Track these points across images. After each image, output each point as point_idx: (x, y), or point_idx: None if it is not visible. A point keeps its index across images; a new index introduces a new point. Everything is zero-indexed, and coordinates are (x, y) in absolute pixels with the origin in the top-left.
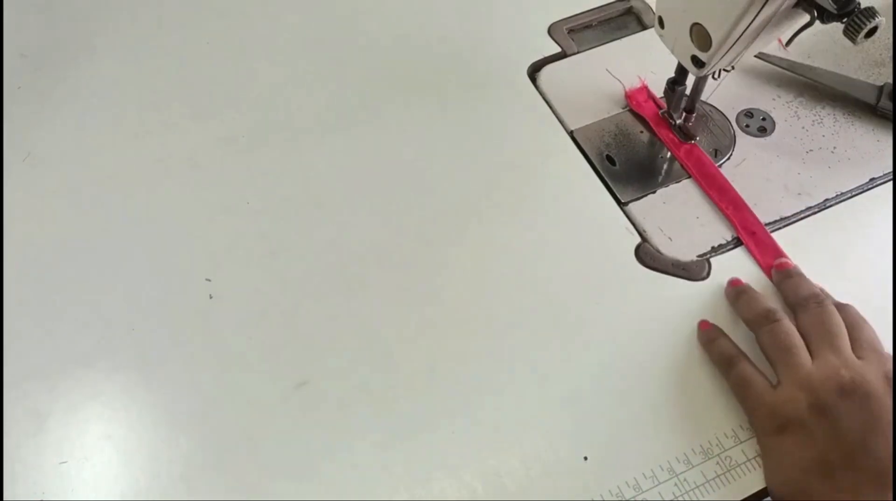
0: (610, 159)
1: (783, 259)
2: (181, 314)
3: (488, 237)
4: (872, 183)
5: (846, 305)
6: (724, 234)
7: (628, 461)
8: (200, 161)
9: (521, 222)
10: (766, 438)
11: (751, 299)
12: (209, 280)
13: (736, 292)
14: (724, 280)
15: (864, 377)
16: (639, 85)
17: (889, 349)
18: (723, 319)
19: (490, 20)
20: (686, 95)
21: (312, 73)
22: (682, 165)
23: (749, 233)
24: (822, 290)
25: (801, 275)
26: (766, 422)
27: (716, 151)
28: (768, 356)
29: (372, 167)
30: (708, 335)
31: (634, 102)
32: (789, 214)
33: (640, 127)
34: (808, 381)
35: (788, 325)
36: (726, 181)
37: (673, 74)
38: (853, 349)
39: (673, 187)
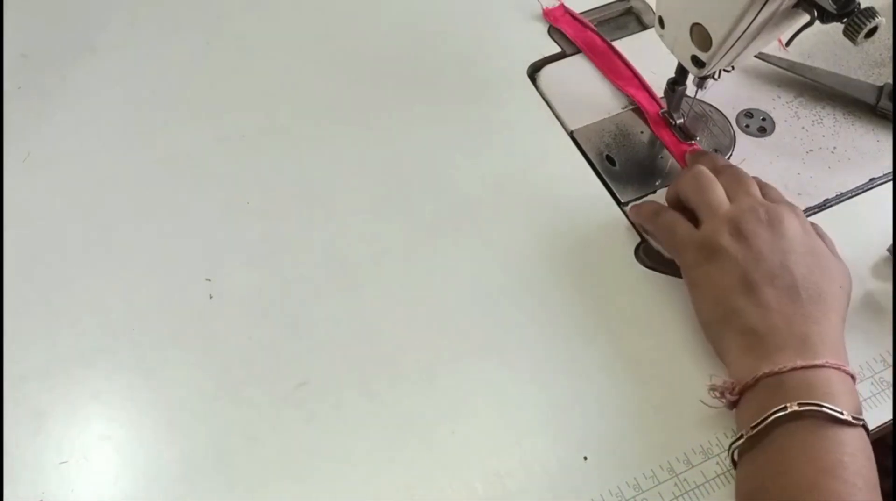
0: (610, 159)
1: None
2: (181, 314)
3: (488, 237)
4: (872, 183)
5: (756, 177)
6: None
7: (628, 461)
8: (200, 161)
9: (521, 222)
10: (694, 271)
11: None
12: (209, 280)
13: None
14: None
15: (777, 210)
16: (556, 3)
17: None
18: None
19: (490, 20)
20: (686, 96)
21: (312, 73)
22: (680, 164)
23: None
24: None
25: (713, 153)
26: (693, 256)
27: (716, 151)
28: (690, 200)
29: (372, 167)
30: (636, 205)
31: (552, 17)
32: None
33: (640, 127)
34: (729, 213)
35: (707, 172)
36: None
37: (673, 74)
38: (764, 198)
39: None
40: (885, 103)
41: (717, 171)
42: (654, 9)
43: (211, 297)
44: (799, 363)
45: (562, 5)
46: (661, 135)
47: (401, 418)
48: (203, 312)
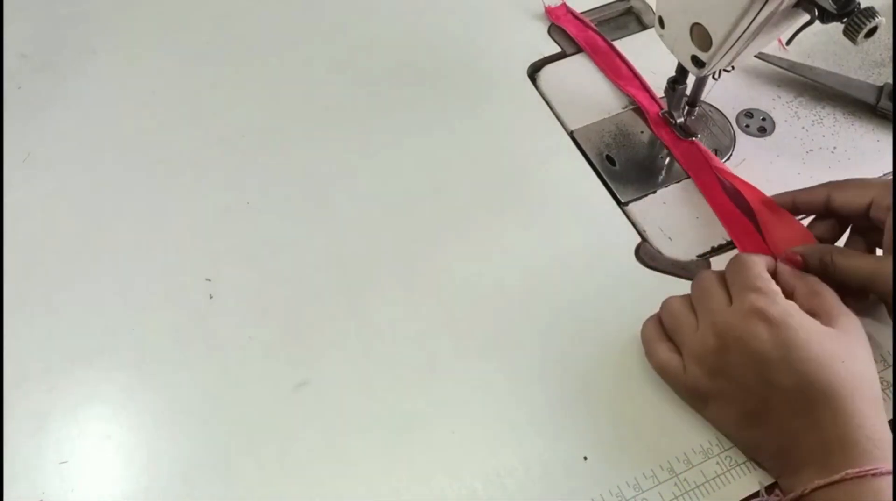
0: (610, 159)
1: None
2: (181, 314)
3: (488, 237)
4: None
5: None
6: (724, 234)
7: (628, 461)
8: (200, 161)
9: (522, 222)
10: (703, 414)
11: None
12: (209, 280)
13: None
14: None
15: (730, 327)
16: (559, 2)
17: None
18: None
19: (490, 20)
20: (686, 95)
21: (312, 72)
22: (680, 164)
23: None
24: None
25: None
26: (693, 402)
27: (716, 151)
28: (667, 331)
29: (372, 167)
30: (644, 329)
31: (554, 16)
32: None
33: (640, 127)
34: (696, 352)
35: (674, 304)
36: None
37: (673, 74)
38: (731, 293)
39: (673, 187)
40: (885, 103)
41: (694, 288)
42: (654, 9)
43: (211, 297)
44: (817, 482)
45: (564, 4)
46: (661, 135)
47: (401, 418)
48: (203, 312)
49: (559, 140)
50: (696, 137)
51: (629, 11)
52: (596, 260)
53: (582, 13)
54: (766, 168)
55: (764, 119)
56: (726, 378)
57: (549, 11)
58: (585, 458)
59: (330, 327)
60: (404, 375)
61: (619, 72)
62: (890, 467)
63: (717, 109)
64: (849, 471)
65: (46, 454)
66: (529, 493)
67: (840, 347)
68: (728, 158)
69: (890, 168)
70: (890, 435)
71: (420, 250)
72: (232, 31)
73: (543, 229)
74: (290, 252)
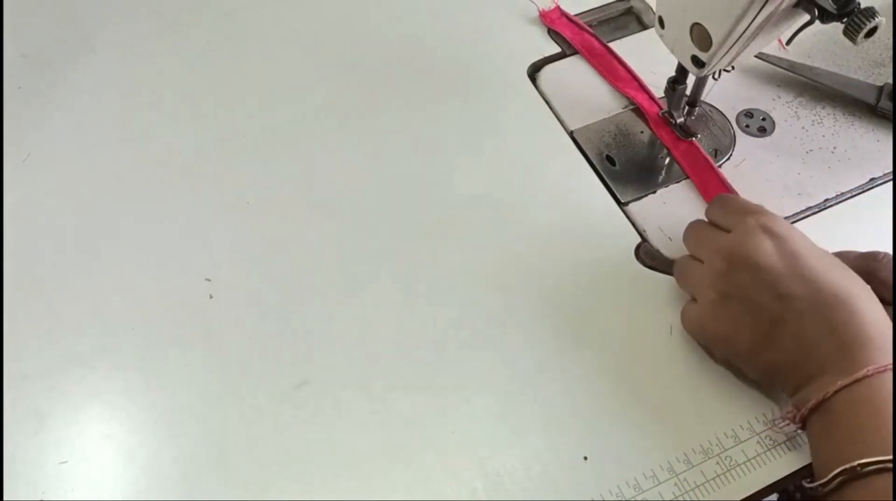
0: (610, 159)
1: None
2: (181, 314)
3: (489, 237)
4: (872, 183)
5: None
6: None
7: (628, 461)
8: (200, 161)
9: (521, 222)
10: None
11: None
12: (209, 280)
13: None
14: None
15: (735, 247)
16: (552, 6)
17: None
18: None
19: (490, 20)
20: (686, 95)
21: (312, 73)
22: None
23: None
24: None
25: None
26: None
27: (716, 151)
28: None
29: (372, 167)
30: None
31: (549, 20)
32: (789, 214)
33: (640, 127)
34: (709, 282)
35: (682, 260)
36: (721, 185)
37: (673, 74)
38: (723, 225)
39: (673, 187)
40: (885, 103)
41: (687, 236)
42: (654, 9)
43: (211, 297)
44: (839, 383)
45: (557, 7)
46: (661, 135)
47: (401, 417)
48: (203, 312)
49: (559, 140)
50: (697, 137)
51: (629, 11)
52: (596, 260)
53: (582, 13)
54: (765, 168)
55: (764, 119)
56: (738, 300)
57: (543, 15)
58: (585, 458)
59: (330, 327)
60: (404, 375)
61: (616, 73)
62: None
63: (717, 109)
64: (869, 368)
65: (46, 454)
66: (529, 493)
67: (830, 256)
68: (728, 158)
69: (890, 168)
70: (889, 329)
71: (420, 250)
72: (232, 31)
73: (543, 228)
74: (290, 252)
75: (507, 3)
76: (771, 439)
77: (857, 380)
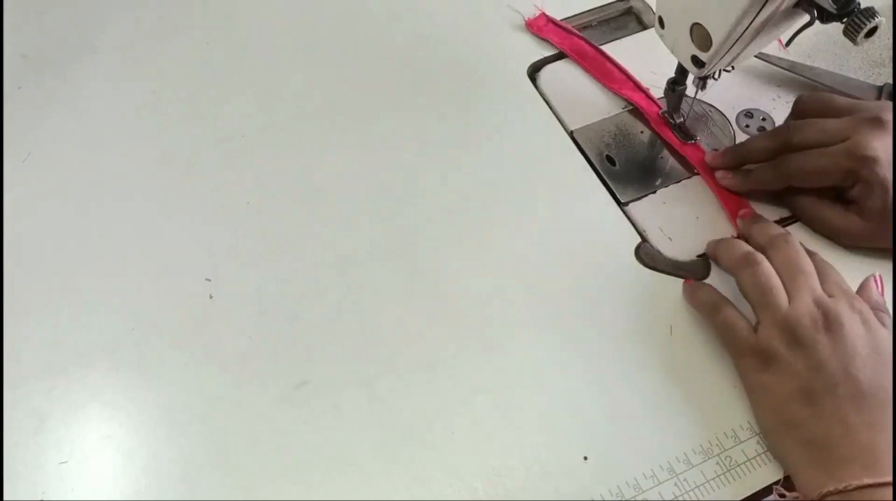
0: (610, 159)
1: (746, 209)
2: (181, 314)
3: (488, 237)
4: None
5: (813, 252)
6: (724, 233)
7: (628, 461)
8: (200, 161)
9: (521, 222)
10: (751, 378)
11: (730, 245)
12: (209, 280)
13: (715, 241)
14: (724, 281)
15: (837, 311)
16: (537, 13)
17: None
18: None
19: (490, 20)
20: (686, 95)
21: (312, 73)
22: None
23: None
24: (787, 231)
25: (765, 219)
26: (750, 362)
27: (715, 151)
28: (749, 298)
29: (372, 167)
30: (692, 287)
31: (536, 28)
32: (790, 213)
33: (640, 127)
34: (786, 319)
35: (768, 267)
36: None
37: (673, 74)
38: (823, 289)
39: (673, 187)
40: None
41: (771, 244)
42: (654, 9)
43: (211, 297)
44: (865, 481)
45: (543, 15)
46: (665, 134)
47: (401, 418)
48: (203, 312)
49: (559, 140)
50: (696, 139)
51: (629, 11)
52: (596, 260)
53: (581, 13)
54: None
55: (764, 119)
56: (806, 353)
57: (530, 24)
58: (585, 458)
59: (330, 327)
60: (404, 375)
61: (611, 76)
62: None
63: (717, 109)
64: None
65: (46, 454)
66: (529, 493)
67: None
68: None
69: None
70: None
71: (419, 250)
72: (232, 31)
73: (543, 228)
74: (289, 252)
75: (507, 4)
76: None
77: (883, 484)
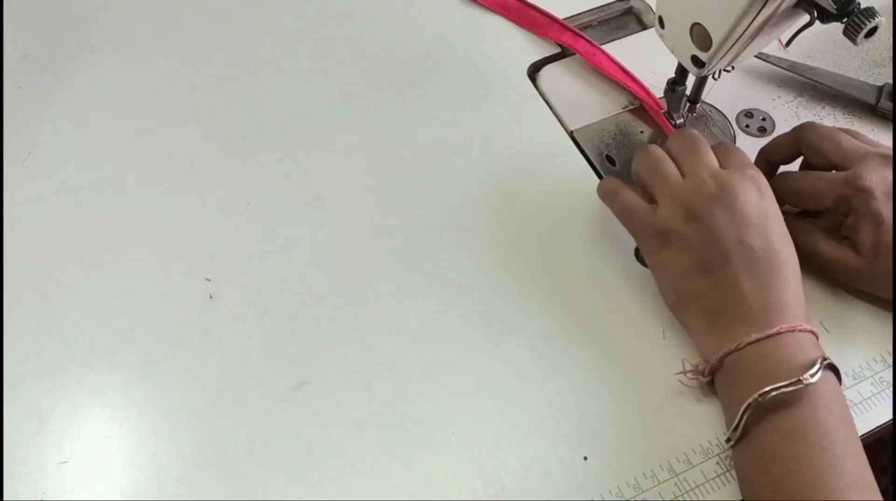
0: (610, 159)
1: None
2: (181, 314)
3: (488, 237)
4: None
5: (722, 142)
6: None
7: (628, 461)
8: (200, 161)
9: (521, 222)
10: (653, 256)
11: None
12: (209, 280)
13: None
14: None
15: (730, 182)
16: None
17: None
18: None
19: (490, 20)
20: (686, 95)
21: (312, 73)
22: None
23: None
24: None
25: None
26: (650, 241)
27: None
28: (644, 181)
29: (372, 167)
30: (600, 186)
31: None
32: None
33: (640, 127)
34: (681, 194)
35: (659, 150)
36: None
37: (673, 74)
38: (722, 166)
39: None
40: (885, 103)
41: (671, 136)
42: (654, 9)
43: (211, 297)
44: (754, 336)
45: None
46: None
47: (401, 417)
48: (203, 312)
49: (559, 140)
50: None
51: (629, 11)
52: (595, 261)
53: (581, 13)
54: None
55: (764, 119)
56: (702, 225)
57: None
58: (585, 458)
59: (330, 327)
60: (404, 375)
61: (534, 21)
62: (810, 327)
63: (717, 109)
64: (782, 326)
65: (46, 454)
66: (529, 493)
67: (785, 225)
68: None
69: None
70: (803, 300)
71: (420, 250)
72: (232, 32)
73: (543, 229)
74: (289, 252)
75: None
76: None
77: (769, 336)
